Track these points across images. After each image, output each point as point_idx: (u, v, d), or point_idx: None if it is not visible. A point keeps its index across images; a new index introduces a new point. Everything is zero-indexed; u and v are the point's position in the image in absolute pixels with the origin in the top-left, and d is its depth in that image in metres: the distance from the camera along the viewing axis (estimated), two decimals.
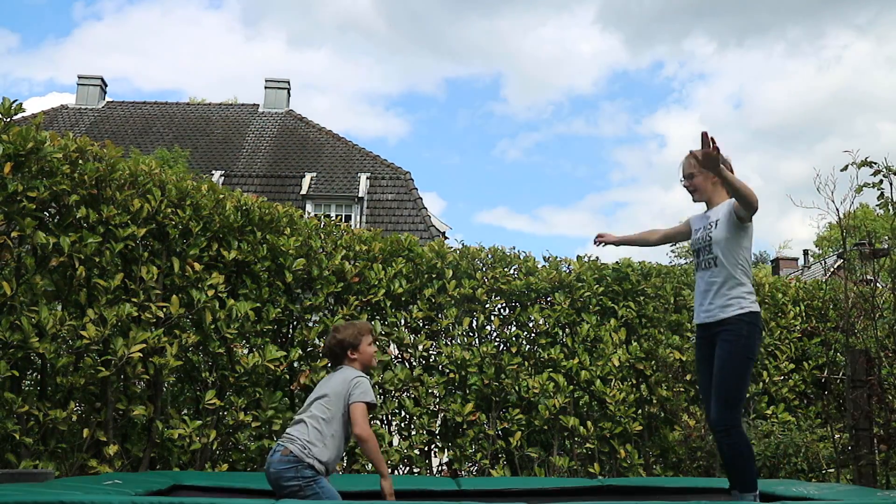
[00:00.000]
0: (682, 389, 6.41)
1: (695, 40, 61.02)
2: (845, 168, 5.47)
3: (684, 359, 6.42)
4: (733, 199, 3.69)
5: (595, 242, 4.42)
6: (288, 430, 3.48)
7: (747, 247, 3.77)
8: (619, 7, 58.77)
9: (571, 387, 6.11)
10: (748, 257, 3.78)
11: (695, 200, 3.98)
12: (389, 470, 5.63)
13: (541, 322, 6.24)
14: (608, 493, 4.20)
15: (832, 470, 5.78)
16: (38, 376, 4.53)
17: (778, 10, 60.04)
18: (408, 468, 5.76)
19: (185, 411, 5.12)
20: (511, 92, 65.22)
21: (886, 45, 56.61)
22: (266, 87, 25.28)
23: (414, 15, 61.68)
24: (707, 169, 3.67)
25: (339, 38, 62.86)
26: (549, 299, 6.39)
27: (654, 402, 6.34)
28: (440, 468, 6.04)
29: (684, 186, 3.95)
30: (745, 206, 3.62)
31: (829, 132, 57.22)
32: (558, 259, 6.62)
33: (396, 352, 5.95)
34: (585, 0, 65.57)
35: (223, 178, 20.89)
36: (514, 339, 6.26)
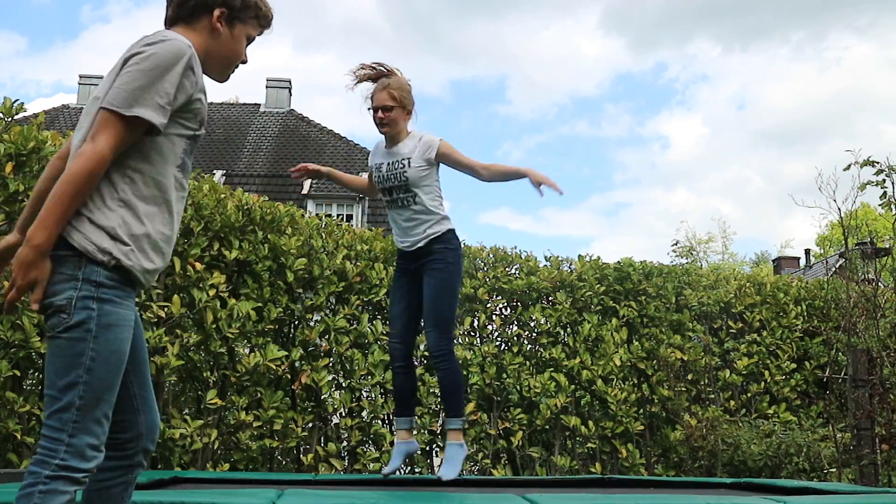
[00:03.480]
0: (683, 389, 6.40)
1: (699, 45, 61.05)
2: (848, 167, 5.48)
3: (685, 358, 6.42)
4: (429, 137, 3.81)
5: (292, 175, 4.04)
6: None
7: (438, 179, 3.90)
8: (621, 12, 58.73)
9: (573, 386, 6.11)
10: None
11: (382, 133, 3.83)
12: (390, 470, 5.63)
13: (542, 321, 6.24)
14: (610, 486, 4.21)
15: (834, 469, 5.77)
16: (40, 376, 4.54)
17: (781, 14, 59.92)
18: (409, 468, 5.76)
19: (187, 411, 5.12)
20: (515, 94, 65.18)
21: (888, 48, 56.59)
22: (267, 87, 25.28)
23: (419, 19, 61.72)
24: None
25: (344, 41, 62.89)
26: (550, 299, 6.39)
27: (656, 401, 6.33)
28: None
29: (376, 117, 3.79)
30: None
31: (831, 133, 57.19)
32: (560, 258, 6.63)
33: None
34: (589, 5, 65.45)
35: (224, 177, 20.90)
36: (515, 338, 6.26)
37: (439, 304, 3.73)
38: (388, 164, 3.80)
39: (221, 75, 2.11)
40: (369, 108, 3.83)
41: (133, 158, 1.83)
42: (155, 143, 1.85)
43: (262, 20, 2.12)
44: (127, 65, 1.82)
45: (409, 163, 3.76)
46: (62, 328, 1.74)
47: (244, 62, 2.13)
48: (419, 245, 3.77)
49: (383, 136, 3.86)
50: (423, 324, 3.83)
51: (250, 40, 2.13)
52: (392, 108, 3.75)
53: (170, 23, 2.05)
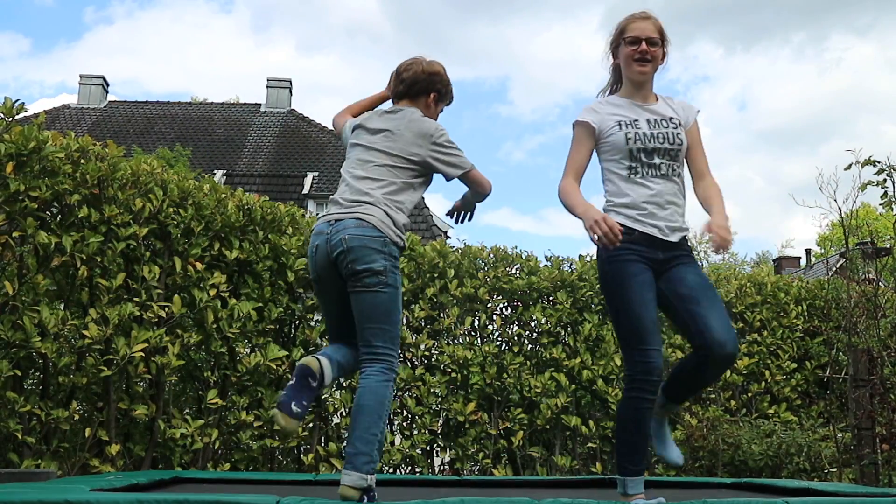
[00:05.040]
0: None
1: (700, 47, 61.03)
2: (849, 167, 5.47)
3: None
4: (684, 102, 3.19)
5: None
6: (346, 195, 2.92)
7: None
8: (622, 14, 58.52)
9: (573, 386, 6.11)
10: None
11: (638, 75, 3.04)
12: (391, 469, 5.64)
13: (543, 321, 6.23)
14: (611, 486, 4.20)
15: (834, 469, 5.77)
16: (41, 376, 4.54)
17: (782, 15, 59.93)
18: (410, 468, 5.76)
19: (187, 411, 5.12)
20: (517, 94, 65.26)
21: (888, 48, 56.57)
22: (268, 87, 25.28)
23: (421, 20, 61.77)
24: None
25: (347, 42, 62.89)
26: (551, 299, 6.39)
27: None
28: (442, 468, 6.04)
29: (637, 51, 3.01)
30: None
31: (832, 134, 57.16)
32: (560, 258, 6.62)
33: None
34: (590, 7, 65.46)
35: (225, 177, 20.90)
36: (516, 338, 6.26)
37: (720, 302, 2.96)
38: (651, 120, 2.98)
39: None
40: (615, 45, 3.08)
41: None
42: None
43: (450, 100, 3.18)
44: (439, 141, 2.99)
45: (679, 124, 3.04)
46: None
47: None
48: (682, 235, 2.99)
49: (609, 90, 3.15)
50: (698, 327, 2.87)
51: (440, 112, 3.17)
52: (658, 42, 3.01)
53: (399, 96, 3.11)
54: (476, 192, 3.17)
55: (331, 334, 3.05)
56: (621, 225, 2.82)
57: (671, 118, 3.03)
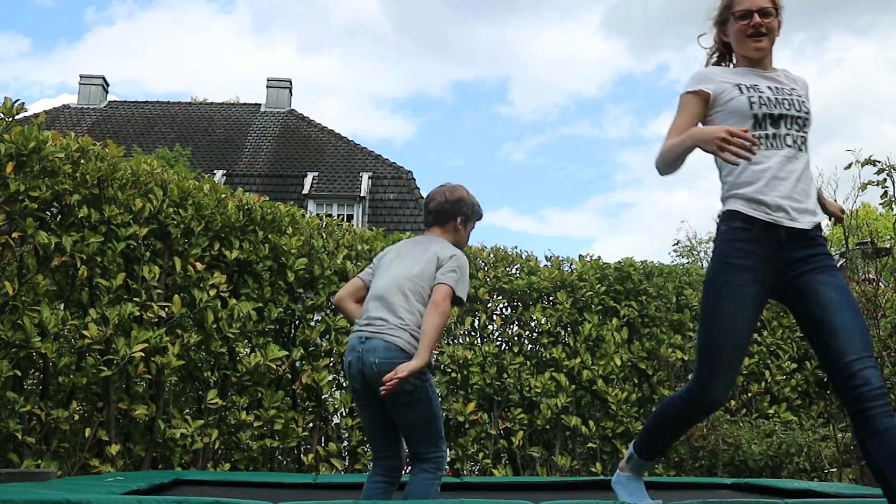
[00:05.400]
0: None
1: (701, 49, 60.98)
2: (849, 166, 5.47)
3: (686, 358, 6.41)
4: (799, 76, 2.74)
5: None
6: (376, 314, 2.91)
7: None
8: (623, 14, 58.75)
9: (573, 386, 6.11)
10: None
11: (754, 52, 2.63)
12: None
13: (543, 321, 6.23)
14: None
15: (834, 469, 5.77)
16: (41, 376, 4.54)
17: (783, 16, 59.91)
18: (410, 468, 5.75)
19: (187, 411, 5.12)
20: (517, 95, 65.16)
21: (888, 49, 56.60)
22: (268, 87, 25.27)
23: (422, 20, 61.75)
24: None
25: (347, 43, 62.89)
26: (551, 299, 6.39)
27: (657, 401, 6.33)
28: None
29: (749, 25, 2.60)
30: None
31: (832, 134, 57.11)
32: (560, 258, 6.63)
33: None
34: (590, 7, 65.46)
35: (225, 177, 20.90)
36: (516, 338, 6.26)
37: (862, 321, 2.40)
38: (772, 87, 2.57)
39: (461, 249, 3.29)
40: (721, 20, 2.70)
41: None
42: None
43: (479, 216, 3.34)
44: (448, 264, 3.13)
45: (805, 96, 2.63)
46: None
47: (465, 243, 3.37)
48: (814, 221, 2.50)
49: (722, 62, 2.75)
50: (843, 353, 2.32)
51: (472, 230, 3.36)
52: (772, 12, 2.63)
53: (428, 224, 3.31)
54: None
55: (371, 442, 3.15)
56: (740, 215, 2.45)
57: (793, 88, 2.61)
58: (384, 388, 2.69)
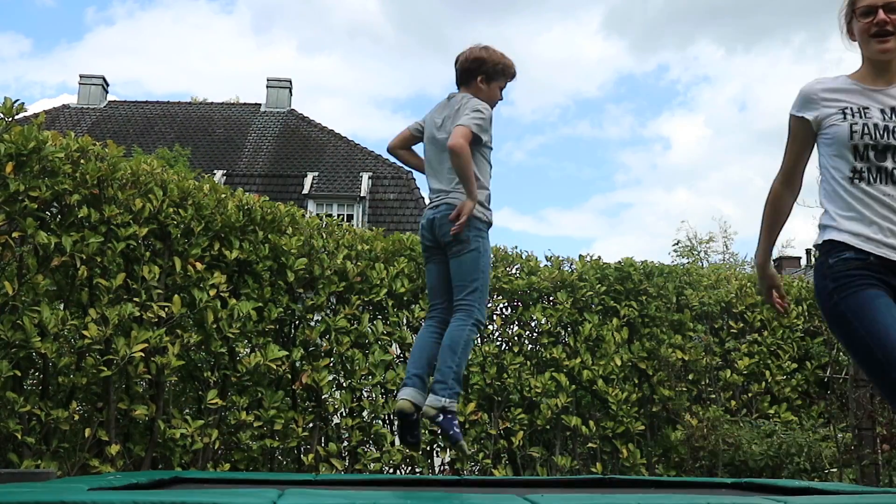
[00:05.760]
0: (684, 389, 6.40)
1: (701, 47, 61.06)
2: None
3: (686, 358, 6.41)
4: None
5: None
6: (434, 186, 3.46)
7: None
8: (623, 14, 58.74)
9: (573, 386, 6.11)
10: None
11: (878, 54, 2.37)
12: (391, 470, 5.64)
13: (543, 321, 6.23)
14: (611, 486, 4.20)
15: (835, 470, 5.77)
16: (40, 376, 4.53)
17: (783, 16, 59.95)
18: (410, 468, 5.76)
19: (187, 411, 5.11)
20: (518, 95, 65.28)
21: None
22: (268, 87, 25.28)
23: (422, 21, 61.74)
24: None
25: (348, 43, 62.87)
26: (551, 299, 6.39)
27: (657, 401, 6.33)
28: (442, 468, 6.04)
29: (873, 22, 2.36)
30: None
31: None
32: (560, 258, 6.62)
33: (399, 351, 5.94)
34: (590, 8, 65.45)
35: (225, 177, 20.90)
36: (516, 338, 6.26)
37: None
38: (887, 111, 2.34)
39: (492, 106, 3.52)
40: (848, 20, 2.48)
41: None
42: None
43: (508, 74, 3.55)
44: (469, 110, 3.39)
45: None
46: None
47: (500, 99, 3.56)
48: None
49: (842, 72, 2.48)
50: None
51: (502, 87, 3.56)
52: None
53: (457, 84, 3.54)
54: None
55: (430, 293, 3.66)
56: (847, 247, 2.29)
57: None
58: (454, 228, 3.27)
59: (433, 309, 3.59)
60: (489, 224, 3.44)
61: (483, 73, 3.45)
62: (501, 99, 3.58)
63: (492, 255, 3.42)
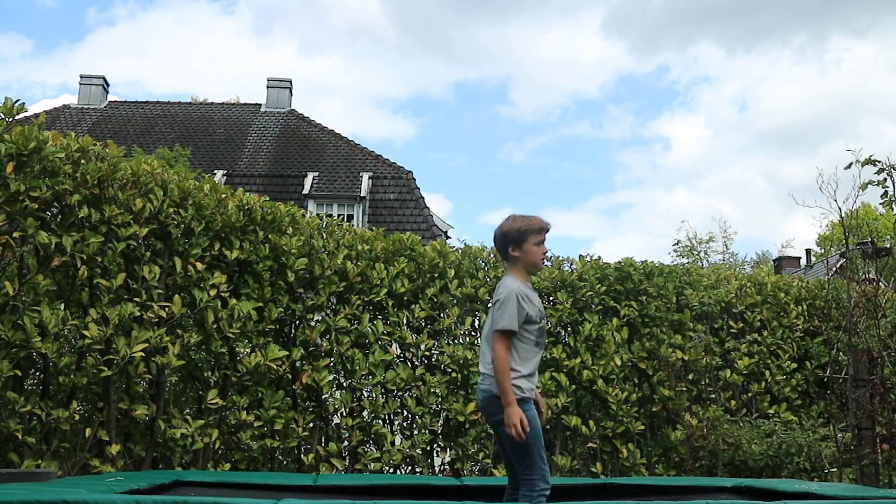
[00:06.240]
0: (684, 389, 6.40)
1: (701, 48, 61.07)
2: (849, 166, 5.47)
3: (686, 358, 6.42)
4: None
5: None
6: (481, 367, 3.49)
7: None
8: (623, 15, 58.73)
9: (574, 386, 6.11)
10: None
11: None
12: (391, 469, 5.64)
13: None
14: (612, 493, 4.19)
15: (834, 469, 5.77)
16: (41, 376, 4.54)
17: (783, 16, 59.91)
18: (410, 468, 5.76)
19: (188, 411, 5.12)
20: (518, 95, 65.15)
21: (888, 49, 56.57)
22: (268, 87, 25.26)
23: (423, 21, 61.76)
24: None
25: (348, 44, 62.89)
26: (551, 299, 6.39)
27: (657, 401, 6.33)
28: (442, 467, 6.04)
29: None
30: None
31: (833, 135, 57.09)
32: (560, 258, 6.63)
33: (399, 351, 5.95)
34: (591, 9, 65.41)
35: (225, 177, 20.89)
36: None
37: None
38: None
39: (536, 267, 3.56)
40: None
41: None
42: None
43: (534, 230, 3.46)
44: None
45: None
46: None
47: (545, 252, 3.53)
48: None
49: None
50: None
51: (539, 242, 3.48)
52: None
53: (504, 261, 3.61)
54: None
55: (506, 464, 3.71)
56: None
57: None
58: (511, 434, 3.28)
59: (509, 476, 3.63)
60: (526, 399, 3.38)
61: (511, 243, 3.48)
62: (546, 252, 3.57)
63: (539, 422, 3.43)
